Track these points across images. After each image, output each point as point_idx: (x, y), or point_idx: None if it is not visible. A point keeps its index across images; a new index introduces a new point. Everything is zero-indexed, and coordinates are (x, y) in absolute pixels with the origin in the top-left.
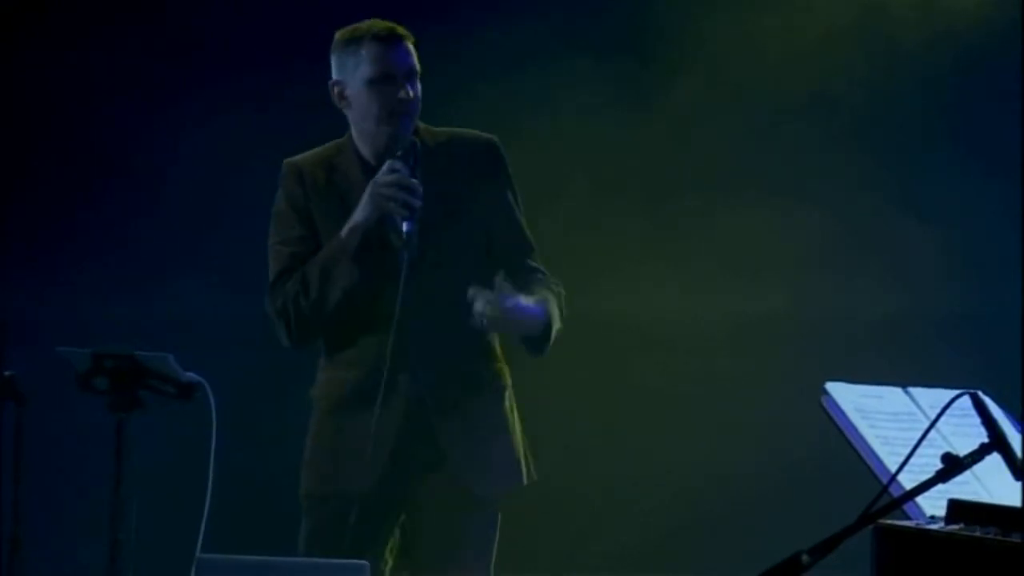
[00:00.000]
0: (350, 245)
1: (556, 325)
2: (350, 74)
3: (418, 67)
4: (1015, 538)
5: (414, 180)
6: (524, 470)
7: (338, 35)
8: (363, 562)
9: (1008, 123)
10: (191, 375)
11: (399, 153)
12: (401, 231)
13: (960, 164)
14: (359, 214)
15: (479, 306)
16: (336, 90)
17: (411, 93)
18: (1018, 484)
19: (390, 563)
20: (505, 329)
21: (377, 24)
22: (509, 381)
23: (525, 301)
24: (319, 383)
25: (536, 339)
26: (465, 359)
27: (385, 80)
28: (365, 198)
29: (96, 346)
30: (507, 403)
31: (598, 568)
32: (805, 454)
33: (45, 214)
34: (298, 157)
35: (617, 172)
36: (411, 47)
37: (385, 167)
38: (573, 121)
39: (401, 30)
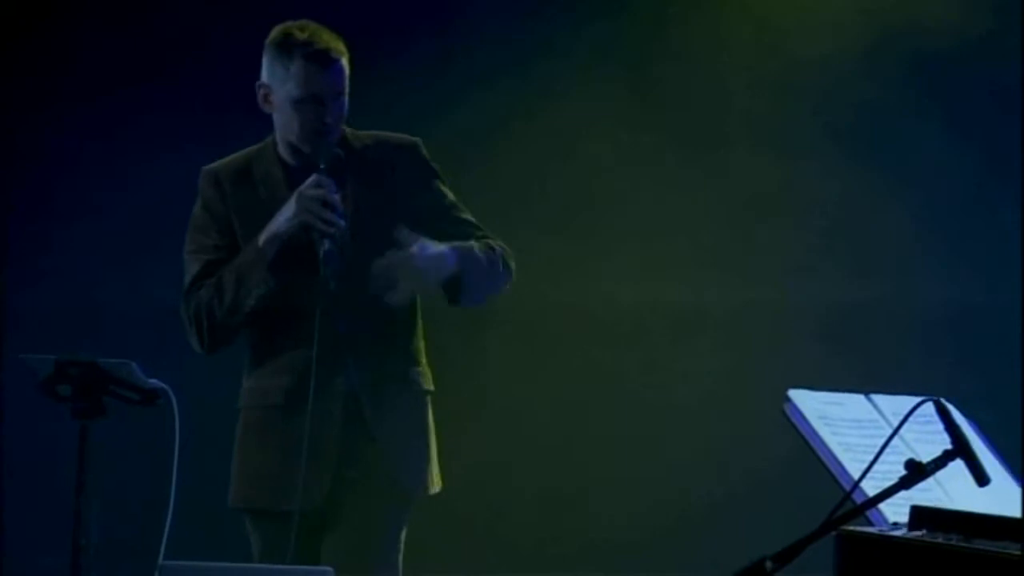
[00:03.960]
0: (267, 253)
1: (475, 266)
2: (278, 83)
3: (346, 86)
4: (978, 544)
5: (336, 198)
6: (432, 475)
7: (272, 34)
8: (327, 568)
9: (1008, 121)
10: (154, 381)
11: (322, 166)
12: (320, 249)
13: (959, 161)
14: (281, 223)
15: (375, 269)
16: (262, 92)
17: (336, 115)
18: (980, 491)
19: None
20: (412, 283)
21: (313, 38)
22: (431, 386)
23: (431, 247)
24: (246, 392)
25: (450, 285)
26: (393, 360)
27: (311, 100)
28: (290, 207)
29: (61, 350)
30: (428, 408)
31: (578, 566)
32: (784, 453)
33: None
34: (216, 164)
35: (614, 168)
36: (344, 65)
37: (312, 180)
38: (552, 117)
39: (336, 49)
